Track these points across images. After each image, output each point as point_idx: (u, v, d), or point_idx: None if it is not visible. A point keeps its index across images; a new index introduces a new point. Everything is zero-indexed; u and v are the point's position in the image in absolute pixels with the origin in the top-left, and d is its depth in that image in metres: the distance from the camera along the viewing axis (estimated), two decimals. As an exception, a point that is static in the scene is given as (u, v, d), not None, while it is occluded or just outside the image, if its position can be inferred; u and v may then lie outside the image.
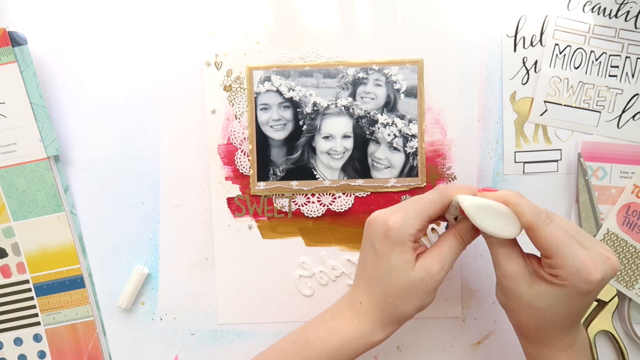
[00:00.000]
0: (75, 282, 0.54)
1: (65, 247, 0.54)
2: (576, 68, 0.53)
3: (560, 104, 0.53)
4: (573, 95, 0.53)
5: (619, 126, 0.53)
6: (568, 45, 0.53)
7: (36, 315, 0.54)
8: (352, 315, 0.45)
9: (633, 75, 0.53)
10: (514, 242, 0.43)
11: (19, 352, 0.55)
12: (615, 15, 0.53)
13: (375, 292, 0.44)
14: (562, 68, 0.53)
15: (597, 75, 0.53)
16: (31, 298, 0.54)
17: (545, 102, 0.53)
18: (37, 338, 0.55)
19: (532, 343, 0.44)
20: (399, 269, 0.42)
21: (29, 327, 0.55)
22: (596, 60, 0.53)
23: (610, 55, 0.53)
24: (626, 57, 0.53)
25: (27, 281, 0.54)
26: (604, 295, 0.52)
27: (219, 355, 0.55)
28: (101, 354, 0.55)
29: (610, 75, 0.53)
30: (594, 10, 0.53)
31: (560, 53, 0.53)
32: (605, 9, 0.53)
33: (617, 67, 0.53)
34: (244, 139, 0.54)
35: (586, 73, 0.53)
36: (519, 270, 0.41)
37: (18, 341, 0.55)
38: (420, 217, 0.43)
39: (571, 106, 0.53)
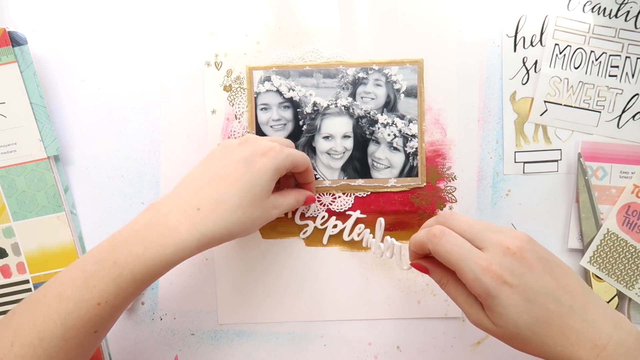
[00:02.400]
0: (75, 282, 0.54)
1: (65, 247, 0.54)
2: (576, 68, 0.53)
3: (560, 104, 0.53)
4: (573, 95, 0.53)
5: (619, 126, 0.53)
6: (568, 45, 0.53)
7: (36, 315, 0.54)
8: (179, 222, 0.40)
9: (633, 75, 0.53)
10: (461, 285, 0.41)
11: (19, 352, 0.55)
12: (615, 15, 0.53)
13: (226, 199, 0.41)
14: (562, 68, 0.53)
15: (597, 75, 0.53)
16: (31, 298, 0.54)
17: (545, 102, 0.53)
18: (37, 338, 0.55)
19: None
20: (262, 197, 0.43)
21: (29, 327, 0.55)
22: (596, 60, 0.53)
23: (610, 55, 0.53)
24: (626, 57, 0.53)
25: (27, 281, 0.54)
26: (604, 295, 0.52)
27: (219, 355, 0.55)
28: (101, 354, 0.55)
29: (610, 75, 0.53)
30: (594, 10, 0.53)
31: (560, 53, 0.53)
32: (605, 9, 0.53)
33: (617, 67, 0.53)
34: (244, 139, 0.54)
35: (586, 73, 0.53)
36: (480, 316, 0.40)
37: (18, 341, 0.55)
38: (289, 166, 0.46)
39: (571, 106, 0.53)
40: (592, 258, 0.53)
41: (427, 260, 0.44)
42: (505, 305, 0.38)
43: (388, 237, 0.50)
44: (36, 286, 0.54)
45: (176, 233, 0.40)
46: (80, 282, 0.39)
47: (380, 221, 0.51)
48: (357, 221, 0.54)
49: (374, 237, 0.52)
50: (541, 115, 0.54)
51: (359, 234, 0.54)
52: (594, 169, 0.53)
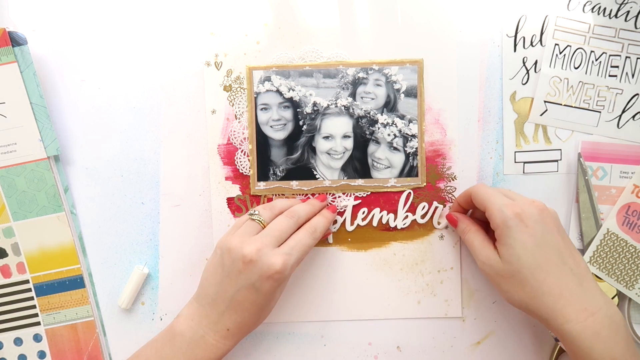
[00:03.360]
0: (75, 282, 0.54)
1: (65, 247, 0.54)
2: (576, 68, 0.53)
3: (560, 104, 0.53)
4: (573, 95, 0.53)
5: (619, 126, 0.53)
6: (568, 45, 0.53)
7: (36, 315, 0.54)
8: (216, 341, 0.48)
9: (633, 75, 0.53)
10: (482, 233, 0.49)
11: (19, 352, 0.55)
12: (615, 15, 0.53)
13: (247, 320, 0.48)
14: (562, 68, 0.53)
15: (597, 75, 0.53)
16: (31, 298, 0.54)
17: (545, 102, 0.53)
18: (37, 338, 0.55)
19: (552, 320, 0.43)
20: (275, 300, 0.49)
21: (29, 327, 0.55)
22: (596, 60, 0.53)
23: (610, 55, 0.53)
24: (626, 57, 0.53)
25: (27, 281, 0.54)
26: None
27: (219, 355, 0.55)
28: (101, 354, 0.55)
29: (610, 75, 0.53)
30: (594, 10, 0.53)
31: (560, 53, 0.53)
32: (605, 9, 0.53)
33: (617, 67, 0.53)
34: (244, 139, 0.54)
35: (586, 73, 0.53)
36: (490, 253, 0.46)
37: (18, 341, 0.55)
38: (299, 260, 0.48)
39: (571, 106, 0.53)
40: (592, 258, 0.53)
41: (458, 215, 0.52)
42: (516, 238, 0.44)
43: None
44: (36, 286, 0.54)
45: (217, 348, 0.48)
46: None
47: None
48: (355, 209, 0.54)
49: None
50: (541, 115, 0.54)
51: (363, 219, 0.54)
52: (594, 169, 0.53)
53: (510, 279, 0.45)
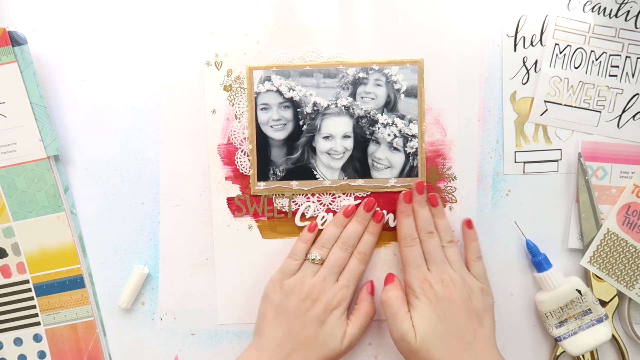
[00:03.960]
0: (75, 282, 0.54)
1: (65, 247, 0.54)
2: (576, 68, 0.53)
3: (561, 104, 0.53)
4: (573, 95, 0.53)
5: (619, 126, 0.53)
6: (568, 45, 0.53)
7: (36, 315, 0.54)
8: None
9: (633, 75, 0.53)
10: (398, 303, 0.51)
11: (19, 352, 0.55)
12: (615, 15, 0.53)
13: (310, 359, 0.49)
14: (562, 68, 0.53)
15: (597, 75, 0.53)
16: (31, 298, 0.54)
17: (545, 102, 0.53)
18: (37, 338, 0.55)
19: None
20: (336, 337, 0.50)
21: (29, 327, 0.55)
22: (596, 60, 0.53)
23: (610, 55, 0.53)
24: (626, 57, 0.53)
25: (27, 281, 0.54)
26: (604, 295, 0.52)
27: (219, 355, 0.55)
28: (101, 354, 0.55)
29: (610, 75, 0.53)
30: (594, 10, 0.53)
31: (561, 53, 0.53)
32: (605, 8, 0.53)
33: (617, 67, 0.53)
34: (244, 138, 0.54)
35: (586, 73, 0.53)
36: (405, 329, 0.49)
37: (18, 341, 0.55)
38: (355, 287, 0.53)
39: (571, 106, 0.53)
40: (592, 258, 0.53)
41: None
42: (419, 310, 0.49)
43: None
44: (36, 286, 0.54)
45: None
46: None
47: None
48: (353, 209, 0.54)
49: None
50: (541, 115, 0.54)
51: None
52: (594, 169, 0.53)
53: (419, 345, 0.48)
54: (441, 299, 0.49)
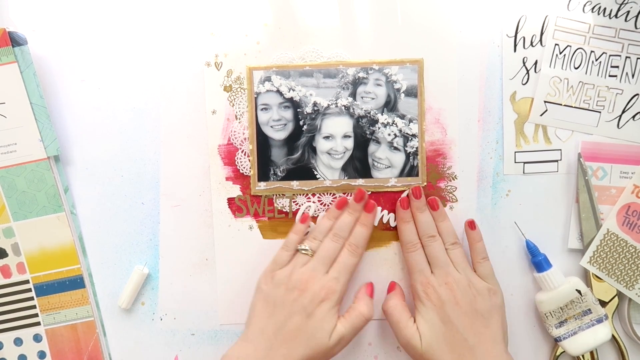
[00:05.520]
0: (75, 282, 0.54)
1: (65, 247, 0.54)
2: (576, 68, 0.53)
3: (560, 104, 0.53)
4: (573, 95, 0.53)
5: (619, 126, 0.53)
6: (568, 45, 0.53)
7: (36, 315, 0.54)
8: None
9: (633, 75, 0.53)
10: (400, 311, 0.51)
11: (19, 352, 0.55)
12: (615, 15, 0.53)
13: (295, 353, 0.48)
14: (562, 68, 0.53)
15: (597, 75, 0.53)
16: (31, 298, 0.54)
17: (545, 102, 0.53)
18: (37, 338, 0.55)
19: None
20: (326, 340, 0.48)
21: (29, 327, 0.55)
22: (596, 60, 0.53)
23: (610, 55, 0.53)
24: (626, 57, 0.53)
25: (27, 281, 0.54)
26: (604, 295, 0.52)
27: (219, 355, 0.55)
28: (101, 354, 0.55)
29: (610, 75, 0.53)
30: (594, 10, 0.53)
31: (560, 53, 0.53)
32: (605, 9, 0.53)
33: (617, 67, 0.53)
34: (245, 139, 0.54)
35: (586, 73, 0.53)
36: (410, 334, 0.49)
37: (18, 341, 0.55)
38: (347, 280, 0.51)
39: (571, 106, 0.53)
40: (592, 258, 0.53)
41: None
42: (424, 314, 0.49)
43: None
44: (36, 286, 0.54)
45: None
46: None
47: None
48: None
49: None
50: (541, 115, 0.54)
51: None
52: (594, 169, 0.53)
53: (424, 347, 0.49)
54: (445, 302, 0.49)
